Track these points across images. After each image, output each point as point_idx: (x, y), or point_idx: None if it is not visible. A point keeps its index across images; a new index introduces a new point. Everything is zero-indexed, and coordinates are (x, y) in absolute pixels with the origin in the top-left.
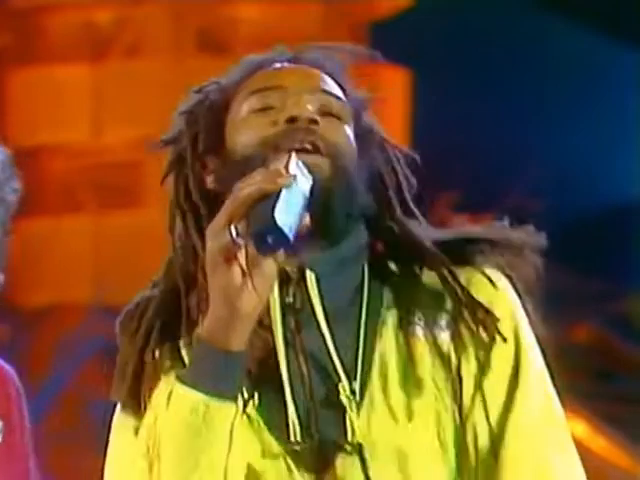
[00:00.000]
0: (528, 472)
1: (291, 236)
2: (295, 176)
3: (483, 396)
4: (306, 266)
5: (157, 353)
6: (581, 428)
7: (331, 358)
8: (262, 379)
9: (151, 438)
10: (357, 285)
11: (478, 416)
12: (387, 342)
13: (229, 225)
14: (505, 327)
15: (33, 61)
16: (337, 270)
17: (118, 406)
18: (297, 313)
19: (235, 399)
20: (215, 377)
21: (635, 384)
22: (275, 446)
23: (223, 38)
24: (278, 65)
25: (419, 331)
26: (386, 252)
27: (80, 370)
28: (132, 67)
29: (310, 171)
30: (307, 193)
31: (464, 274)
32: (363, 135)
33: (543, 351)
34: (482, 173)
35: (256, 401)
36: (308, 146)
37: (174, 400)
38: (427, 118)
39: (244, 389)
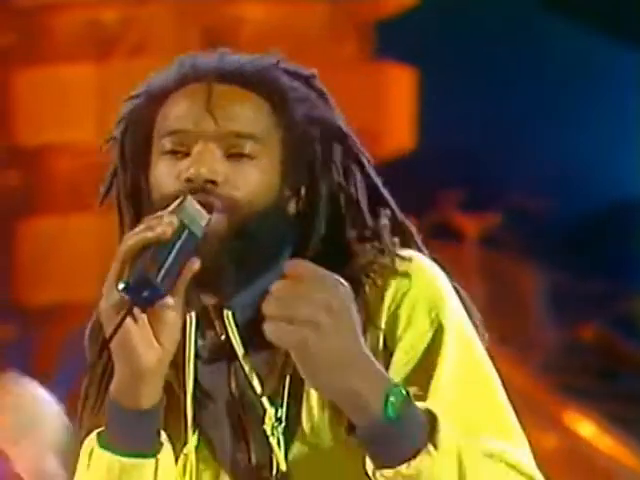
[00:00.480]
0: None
1: (163, 287)
2: (181, 221)
3: (407, 379)
4: (225, 303)
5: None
6: (589, 428)
7: (253, 390)
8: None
9: None
10: None
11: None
12: None
13: (117, 281)
14: (421, 312)
15: (38, 61)
16: (254, 306)
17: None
18: (221, 348)
19: (153, 454)
20: (128, 436)
21: (638, 383)
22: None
23: (228, 37)
24: (195, 88)
25: None
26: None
27: (85, 371)
28: (137, 66)
29: (207, 210)
30: (199, 233)
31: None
32: (304, 149)
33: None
34: (486, 172)
35: (194, 442)
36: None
37: (93, 459)
38: (433, 116)
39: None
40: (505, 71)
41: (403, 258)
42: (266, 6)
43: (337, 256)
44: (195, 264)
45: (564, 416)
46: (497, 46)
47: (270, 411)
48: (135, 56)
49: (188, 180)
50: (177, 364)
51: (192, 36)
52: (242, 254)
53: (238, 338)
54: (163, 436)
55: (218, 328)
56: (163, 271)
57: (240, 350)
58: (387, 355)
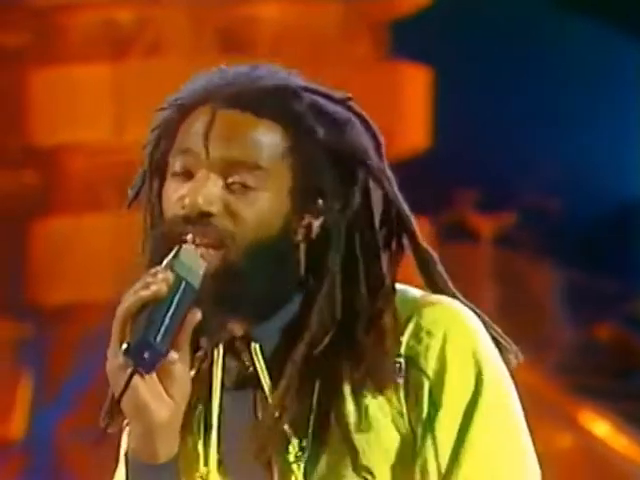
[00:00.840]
0: None
1: (164, 347)
2: (177, 274)
3: (434, 437)
4: (251, 336)
5: None
6: (604, 427)
7: (280, 419)
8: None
9: None
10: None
11: (428, 457)
12: (342, 396)
13: (120, 343)
14: (459, 363)
15: (54, 60)
16: (280, 336)
17: None
18: (247, 378)
19: None
20: None
21: None
22: None
23: (243, 37)
24: (206, 111)
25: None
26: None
27: (103, 368)
28: (152, 66)
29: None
30: (196, 283)
31: (418, 309)
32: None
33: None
34: (501, 171)
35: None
36: (197, 240)
37: None
38: (447, 116)
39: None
40: (519, 70)
41: (433, 304)
42: (281, 6)
43: (356, 294)
44: (196, 315)
45: (579, 416)
46: (511, 45)
47: (294, 441)
48: (150, 56)
49: (183, 207)
50: (201, 393)
51: (207, 36)
52: (235, 295)
53: (265, 369)
54: None
55: (245, 359)
56: (162, 330)
57: (267, 381)
58: (423, 404)
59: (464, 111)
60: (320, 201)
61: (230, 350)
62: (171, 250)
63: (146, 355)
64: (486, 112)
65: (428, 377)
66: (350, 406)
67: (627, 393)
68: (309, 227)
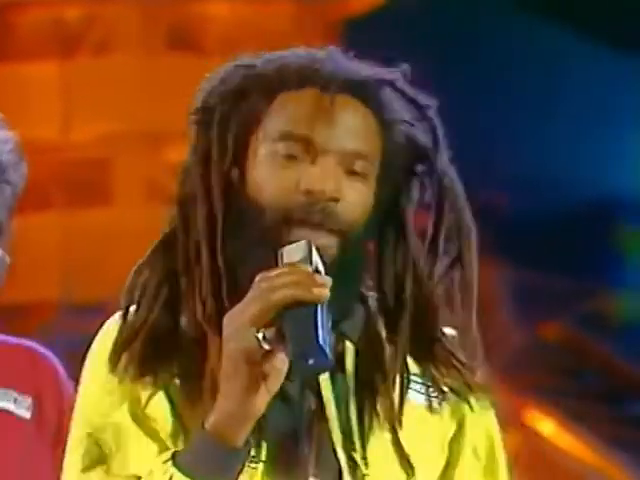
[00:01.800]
0: None
1: (331, 355)
2: (326, 283)
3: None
4: (339, 331)
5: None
6: (550, 425)
7: (335, 445)
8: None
9: None
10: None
11: None
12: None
13: (255, 328)
14: (498, 438)
15: (1, 58)
16: (362, 334)
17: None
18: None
19: None
20: (217, 472)
21: (602, 381)
22: None
23: (193, 35)
24: (314, 93)
25: (420, 398)
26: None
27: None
28: (101, 64)
29: (319, 254)
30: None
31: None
32: (397, 176)
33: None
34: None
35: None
36: (320, 223)
37: None
38: None
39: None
40: (470, 68)
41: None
42: (232, 4)
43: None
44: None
45: (525, 414)
46: (464, 44)
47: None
48: (99, 54)
49: (308, 192)
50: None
51: (157, 34)
52: (350, 277)
53: (351, 361)
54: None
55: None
56: (329, 335)
57: (329, 391)
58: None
59: None
60: (391, 197)
61: None
62: (281, 237)
63: (311, 361)
64: (437, 111)
65: (472, 422)
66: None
67: (575, 392)
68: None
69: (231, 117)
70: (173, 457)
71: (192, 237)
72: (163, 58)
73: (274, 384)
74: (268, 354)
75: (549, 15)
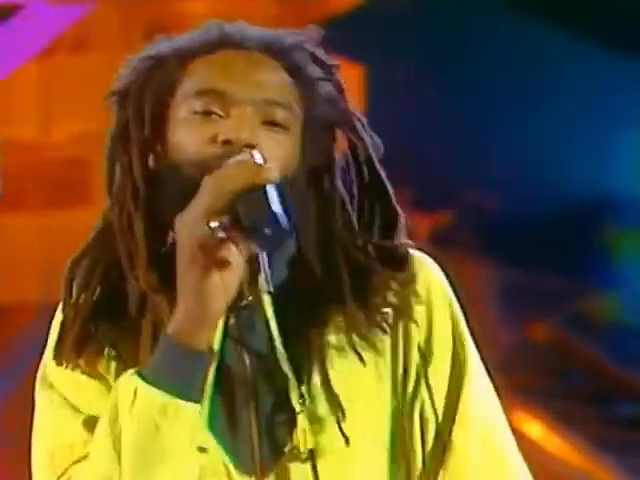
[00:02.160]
0: (479, 457)
1: (287, 223)
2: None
3: (428, 385)
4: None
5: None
6: (537, 427)
7: (279, 363)
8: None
9: (110, 435)
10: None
11: (424, 405)
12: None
13: (208, 218)
14: (443, 312)
15: None
16: (285, 270)
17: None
18: (243, 310)
19: (199, 400)
20: (181, 377)
21: (590, 382)
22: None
23: (172, 33)
24: (228, 53)
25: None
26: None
27: (30, 372)
28: (79, 62)
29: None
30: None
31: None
32: (318, 126)
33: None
34: (438, 170)
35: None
36: None
37: (139, 398)
38: (382, 115)
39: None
40: (455, 67)
41: (413, 257)
42: (211, 2)
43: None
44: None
45: (512, 416)
46: (446, 43)
47: (294, 383)
48: (77, 52)
49: (226, 142)
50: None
51: (135, 31)
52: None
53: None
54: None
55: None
56: (282, 210)
57: (272, 316)
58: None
59: (399, 110)
60: (318, 156)
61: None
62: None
63: (267, 231)
64: (424, 111)
65: (418, 326)
66: (336, 354)
67: (562, 393)
68: (310, 173)
69: (146, 88)
70: (138, 370)
71: (124, 212)
72: None
73: (230, 278)
74: (223, 243)
75: (540, 15)
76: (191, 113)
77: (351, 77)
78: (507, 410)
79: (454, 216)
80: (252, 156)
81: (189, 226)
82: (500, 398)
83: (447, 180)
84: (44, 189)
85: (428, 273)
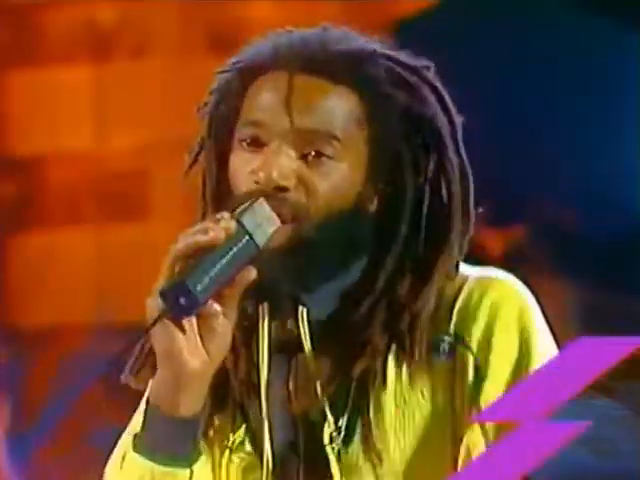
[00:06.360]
0: None
1: (204, 296)
2: (243, 226)
3: (479, 408)
4: (300, 301)
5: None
6: None
7: (315, 392)
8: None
9: None
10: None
11: (474, 430)
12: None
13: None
14: (509, 334)
15: (31, 63)
16: (333, 304)
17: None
18: (285, 343)
19: (188, 464)
20: (164, 443)
21: None
22: None
23: (234, 38)
24: (279, 76)
25: (417, 354)
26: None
27: (83, 396)
28: (137, 69)
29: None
30: (262, 241)
31: (469, 285)
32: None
33: None
34: (514, 183)
35: (241, 435)
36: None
37: (126, 463)
38: None
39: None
40: (532, 76)
41: (484, 279)
42: (275, 4)
43: (418, 266)
44: (251, 273)
45: None
46: (521, 48)
47: (330, 419)
48: (135, 58)
49: (257, 183)
50: (239, 351)
51: (196, 37)
52: (298, 271)
53: (308, 335)
54: (201, 446)
55: (289, 323)
56: (207, 279)
57: (308, 346)
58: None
59: (470, 120)
60: (392, 170)
61: (272, 312)
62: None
63: (182, 300)
64: (495, 119)
65: (472, 352)
66: (389, 384)
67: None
68: (382, 196)
69: (219, 109)
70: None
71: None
72: (202, 62)
73: (215, 348)
74: (203, 317)
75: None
76: (239, 141)
77: None
78: None
79: (530, 233)
80: (253, 204)
81: (153, 292)
82: None
83: (522, 194)
84: (99, 203)
85: (498, 296)
